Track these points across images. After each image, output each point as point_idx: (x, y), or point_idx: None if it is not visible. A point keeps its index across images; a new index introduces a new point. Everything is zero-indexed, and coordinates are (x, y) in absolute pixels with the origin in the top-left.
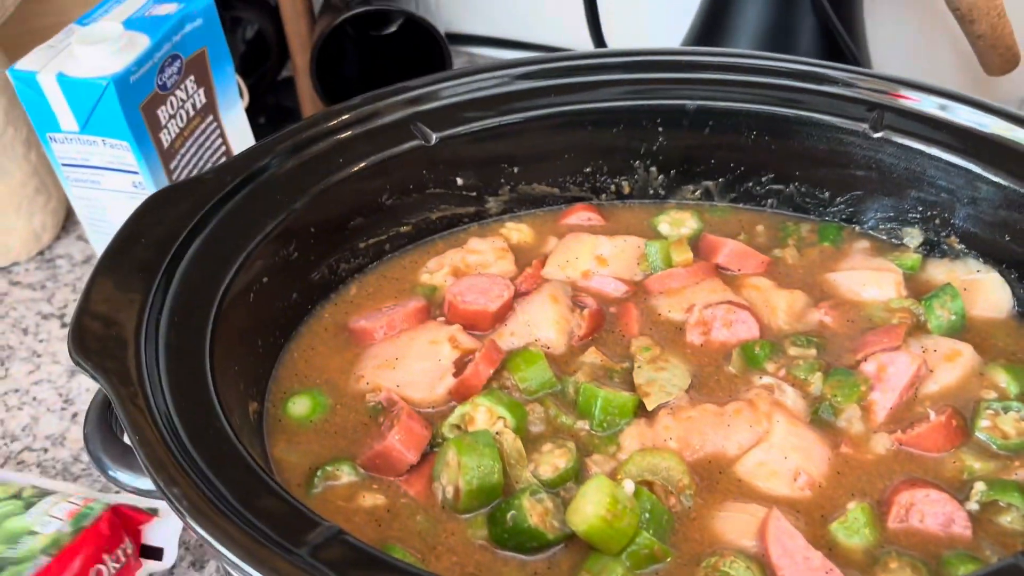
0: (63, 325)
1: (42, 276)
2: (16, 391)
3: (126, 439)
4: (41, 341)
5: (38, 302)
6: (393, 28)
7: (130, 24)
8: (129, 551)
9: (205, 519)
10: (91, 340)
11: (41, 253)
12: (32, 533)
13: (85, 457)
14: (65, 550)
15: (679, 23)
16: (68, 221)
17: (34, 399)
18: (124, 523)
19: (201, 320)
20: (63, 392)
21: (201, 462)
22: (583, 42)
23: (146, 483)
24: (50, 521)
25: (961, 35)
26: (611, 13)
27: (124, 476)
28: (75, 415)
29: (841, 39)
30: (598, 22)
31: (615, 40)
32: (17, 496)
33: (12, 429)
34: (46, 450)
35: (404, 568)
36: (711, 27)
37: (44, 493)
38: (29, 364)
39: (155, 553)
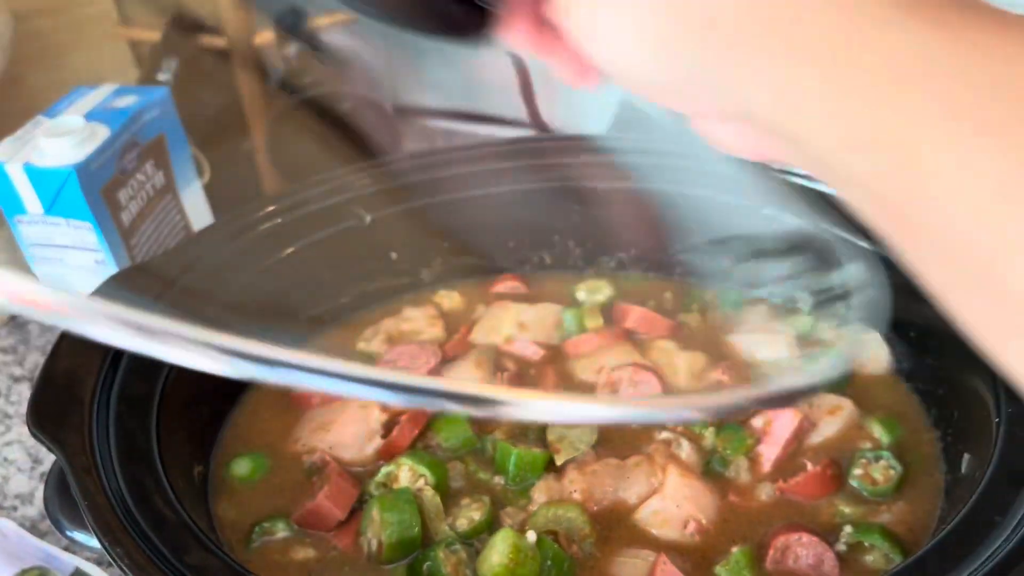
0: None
1: (13, 340)
2: None
3: None
4: (12, 403)
5: (9, 365)
6: (347, 104)
7: (92, 116)
8: None
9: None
10: (48, 414)
11: (13, 318)
12: None
13: None
14: None
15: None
16: None
17: (5, 459)
18: None
19: (148, 392)
20: (32, 452)
21: (144, 524)
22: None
23: (95, 542)
24: None
25: None
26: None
27: (80, 536)
28: (43, 474)
29: None
30: (534, 103)
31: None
32: None
33: None
34: (15, 508)
35: None
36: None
37: None
38: (0, 425)
39: None
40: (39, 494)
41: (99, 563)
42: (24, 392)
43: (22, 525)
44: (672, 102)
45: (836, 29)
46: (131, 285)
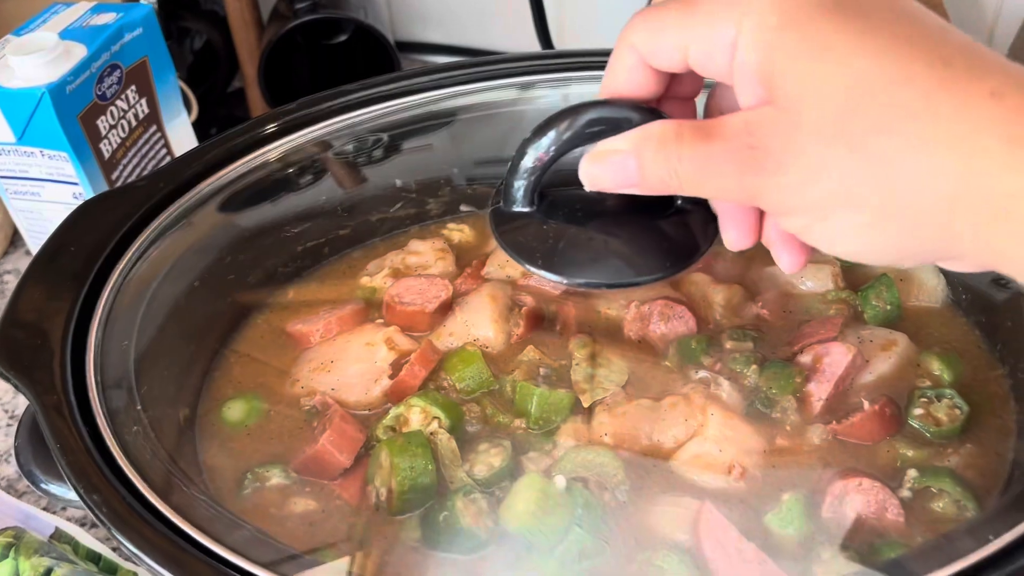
0: None
1: None
2: None
3: None
4: None
5: None
6: (343, 37)
7: (67, 34)
8: None
9: (124, 525)
10: (16, 350)
11: None
12: None
13: None
14: None
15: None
16: (17, 237)
17: None
18: None
19: (128, 326)
20: (8, 408)
21: (123, 469)
22: (534, 46)
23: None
24: None
25: None
26: (561, 15)
27: (55, 488)
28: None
29: None
30: (545, 25)
31: (565, 43)
32: None
33: None
34: None
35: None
36: None
37: None
38: None
39: None
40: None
41: (82, 524)
42: None
43: None
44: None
45: None
46: (107, 213)
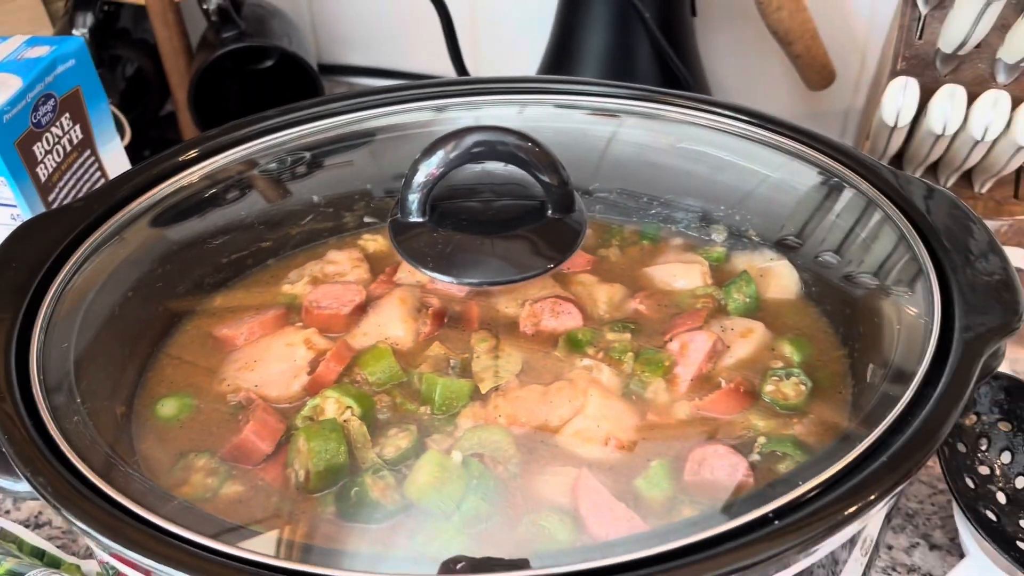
0: None
1: None
2: None
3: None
4: None
5: None
6: (269, 63)
7: (3, 67)
8: None
9: (68, 502)
10: None
11: None
12: None
13: None
14: None
15: (537, 49)
16: None
17: None
18: None
19: (67, 332)
20: None
21: (67, 454)
22: (452, 69)
23: (20, 486)
24: None
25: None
26: (475, 42)
27: (5, 482)
28: None
29: (672, 63)
30: (459, 53)
31: (481, 67)
32: None
33: None
34: None
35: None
36: (561, 53)
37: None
38: None
39: None
40: None
41: (26, 524)
42: None
43: None
44: None
45: None
46: (46, 231)
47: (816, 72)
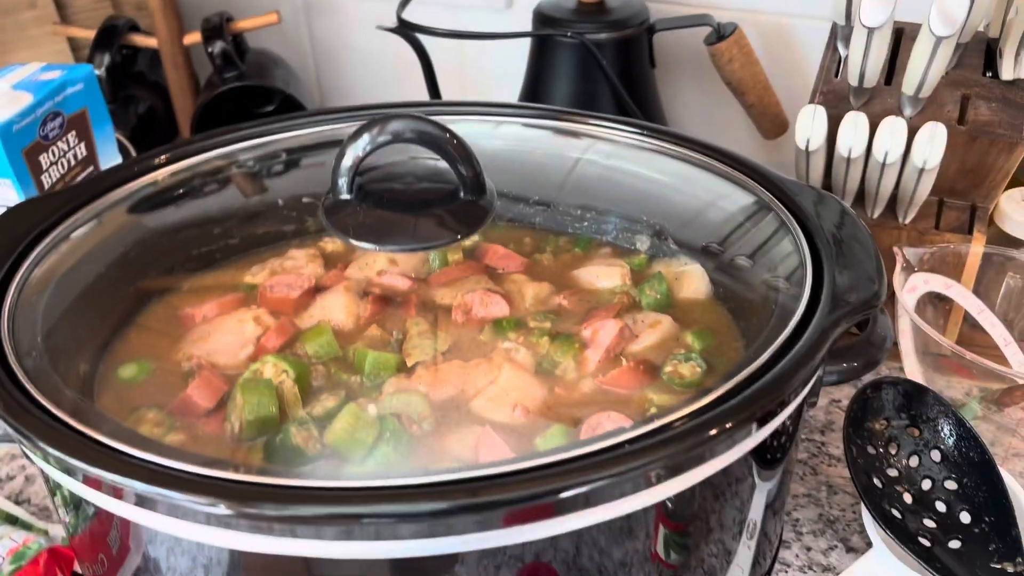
0: None
1: None
2: None
3: None
4: None
5: None
6: (271, 107)
7: (17, 86)
8: None
9: (27, 419)
10: None
11: None
12: None
13: None
14: None
15: (515, 96)
16: None
17: None
18: (58, 560)
19: (38, 294)
20: None
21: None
22: None
23: None
24: None
25: None
26: (463, 90)
27: None
28: None
29: (629, 109)
30: (435, 82)
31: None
32: None
33: None
34: None
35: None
36: (532, 98)
37: None
38: None
39: None
40: None
41: (10, 496)
42: None
43: None
44: None
45: None
46: (32, 213)
47: (769, 121)
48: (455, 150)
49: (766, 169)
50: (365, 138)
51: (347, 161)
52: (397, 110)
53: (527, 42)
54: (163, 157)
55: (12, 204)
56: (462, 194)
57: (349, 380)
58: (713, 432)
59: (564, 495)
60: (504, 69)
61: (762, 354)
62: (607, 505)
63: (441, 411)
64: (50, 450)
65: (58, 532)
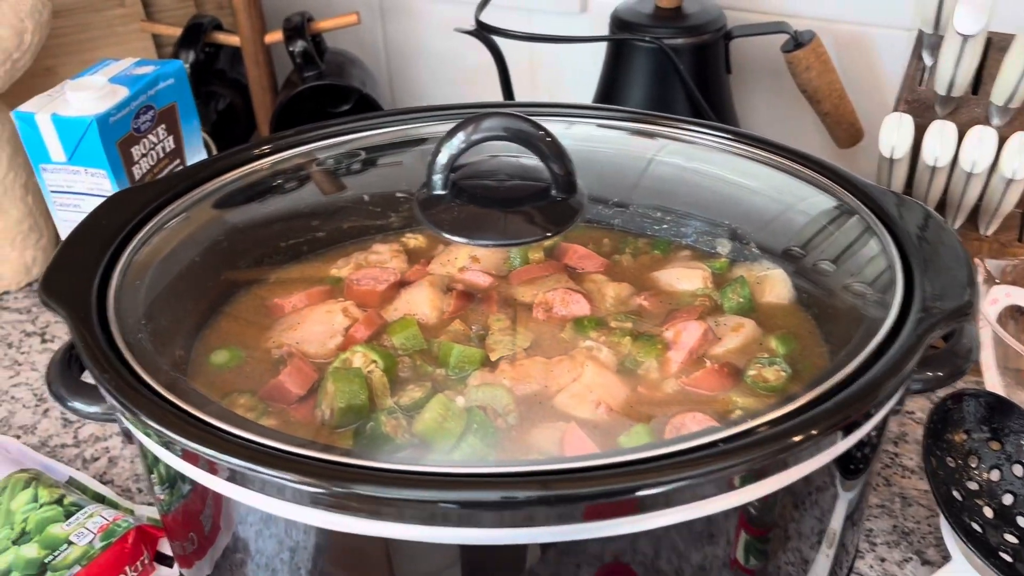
0: (43, 341)
1: (28, 303)
2: None
3: (81, 379)
4: (23, 353)
5: (23, 323)
6: (346, 107)
7: (113, 80)
8: (146, 561)
9: (129, 391)
10: (58, 288)
11: (30, 284)
12: (69, 543)
13: (52, 442)
14: (94, 563)
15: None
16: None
17: (12, 398)
18: (144, 538)
19: (140, 279)
20: (37, 393)
21: (136, 368)
22: None
23: (93, 407)
24: (85, 534)
25: None
26: (534, 93)
27: (77, 404)
28: (46, 411)
29: (706, 114)
30: (509, 85)
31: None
32: (59, 502)
33: None
34: (19, 436)
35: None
36: (606, 102)
37: (79, 506)
38: (10, 371)
39: (167, 560)
40: (41, 426)
41: (95, 476)
42: (35, 344)
43: None
44: None
45: None
46: (133, 200)
47: (844, 130)
48: (548, 148)
49: (849, 173)
50: (461, 135)
51: (442, 158)
52: (490, 109)
53: (598, 46)
54: (262, 148)
55: (106, 193)
56: (553, 192)
57: (434, 372)
58: (799, 438)
59: (647, 492)
60: (574, 72)
61: (851, 361)
62: (688, 506)
63: (524, 405)
64: (156, 426)
65: (143, 512)
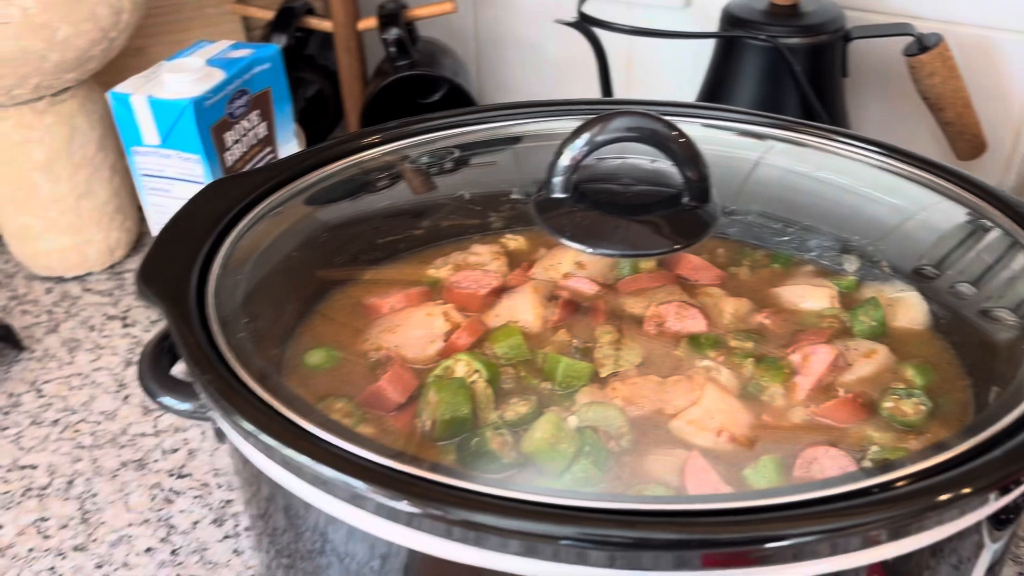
0: (124, 325)
1: (111, 285)
2: (79, 375)
3: (171, 373)
4: (105, 336)
5: (105, 306)
6: (436, 97)
7: (210, 62)
8: None
9: (232, 395)
10: (154, 278)
11: (112, 267)
12: None
13: (132, 430)
14: None
15: (688, 98)
16: (138, 243)
17: (93, 382)
18: None
19: (237, 273)
20: (118, 378)
21: (232, 364)
22: None
23: (185, 404)
24: None
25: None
26: (627, 90)
27: (168, 400)
28: (126, 397)
29: (820, 117)
30: (609, 81)
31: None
32: None
33: (73, 404)
34: (99, 422)
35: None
36: (712, 100)
37: None
38: (92, 354)
39: None
40: (121, 412)
41: (169, 474)
42: (116, 328)
43: (103, 437)
44: None
45: None
46: (230, 190)
47: (967, 142)
48: (683, 150)
49: (991, 186)
50: (586, 136)
51: (564, 159)
52: (620, 107)
53: (700, 42)
54: (371, 139)
55: (198, 179)
56: (684, 200)
57: (539, 386)
58: (968, 491)
59: (789, 543)
60: (671, 69)
61: (1015, 408)
62: (819, 561)
63: (638, 428)
64: (264, 437)
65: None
